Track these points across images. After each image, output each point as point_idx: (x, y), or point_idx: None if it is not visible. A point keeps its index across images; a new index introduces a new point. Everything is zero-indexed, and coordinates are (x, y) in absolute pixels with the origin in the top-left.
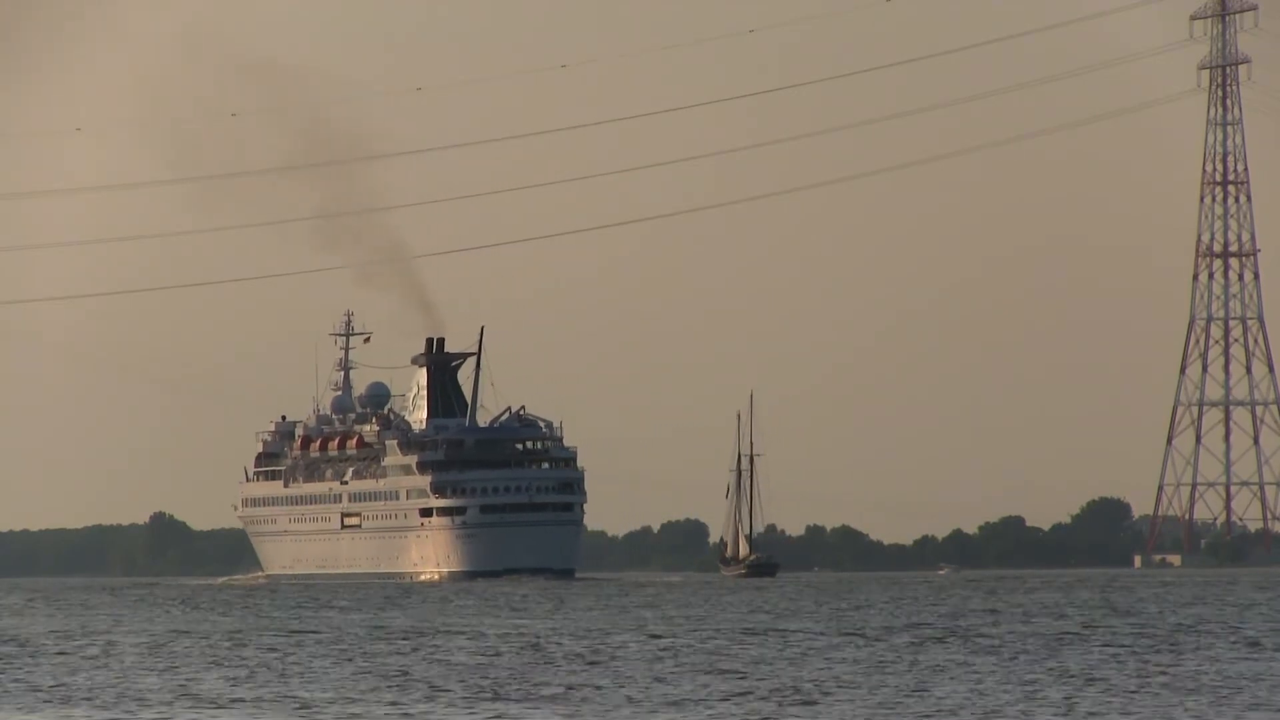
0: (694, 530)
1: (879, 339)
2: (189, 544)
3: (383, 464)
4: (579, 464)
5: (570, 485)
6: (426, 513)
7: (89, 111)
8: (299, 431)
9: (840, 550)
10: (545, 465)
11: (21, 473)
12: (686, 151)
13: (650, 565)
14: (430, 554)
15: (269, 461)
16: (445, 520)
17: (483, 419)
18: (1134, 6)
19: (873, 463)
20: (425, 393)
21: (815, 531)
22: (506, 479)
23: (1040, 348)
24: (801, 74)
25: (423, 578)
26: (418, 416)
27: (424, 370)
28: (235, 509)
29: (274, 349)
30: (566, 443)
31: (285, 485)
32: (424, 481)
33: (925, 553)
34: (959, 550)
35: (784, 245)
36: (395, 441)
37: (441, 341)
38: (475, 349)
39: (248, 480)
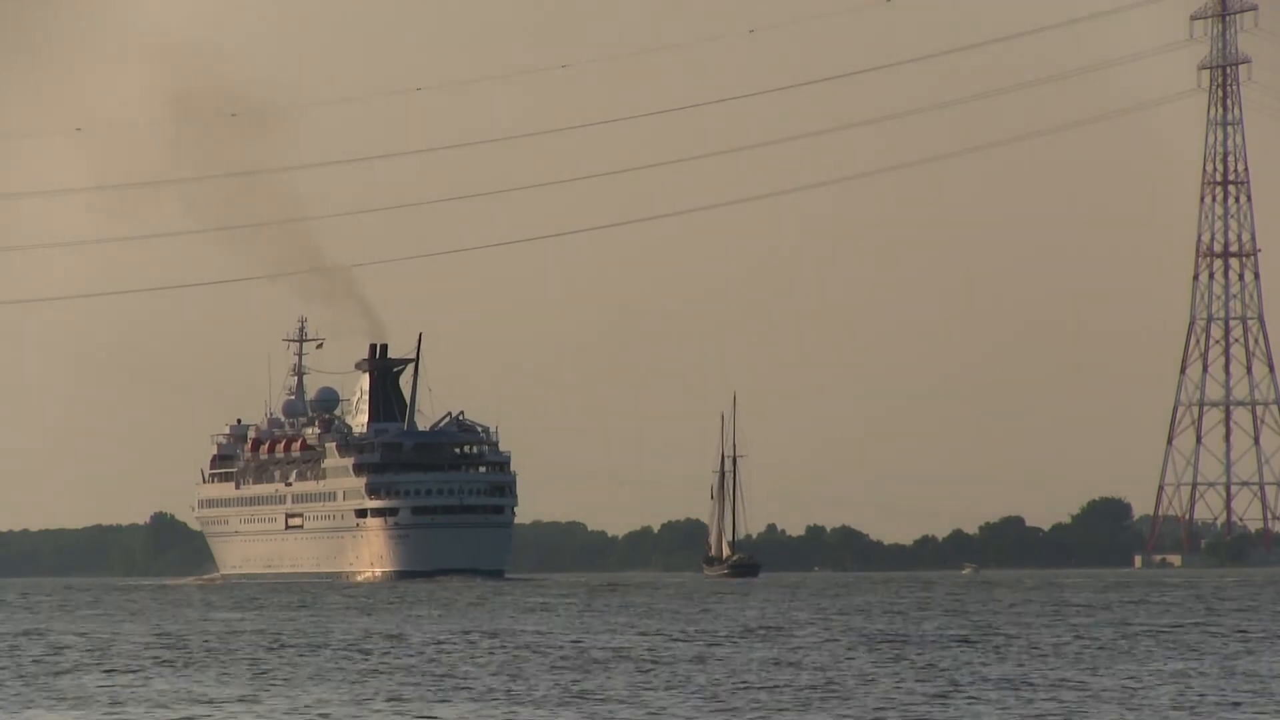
0: (694, 530)
1: (880, 339)
2: (189, 544)
3: (323, 466)
4: (512, 468)
5: (502, 488)
6: (362, 514)
7: (73, 112)
8: (250, 434)
9: (840, 550)
10: (482, 469)
11: (21, 473)
12: (680, 152)
13: (651, 565)
14: (366, 554)
15: (223, 464)
16: (379, 521)
17: (422, 424)
18: (1134, 6)
19: (873, 463)
20: (367, 397)
21: (815, 532)
22: (439, 481)
23: (1040, 347)
24: (801, 74)
25: (360, 578)
26: (360, 420)
27: (367, 375)
28: (193, 510)
29: (264, 351)
30: (503, 447)
31: (237, 487)
32: (360, 483)
33: (925, 553)
34: (958, 550)
35: (786, 244)
36: (334, 444)
37: (385, 347)
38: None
39: (204, 482)
